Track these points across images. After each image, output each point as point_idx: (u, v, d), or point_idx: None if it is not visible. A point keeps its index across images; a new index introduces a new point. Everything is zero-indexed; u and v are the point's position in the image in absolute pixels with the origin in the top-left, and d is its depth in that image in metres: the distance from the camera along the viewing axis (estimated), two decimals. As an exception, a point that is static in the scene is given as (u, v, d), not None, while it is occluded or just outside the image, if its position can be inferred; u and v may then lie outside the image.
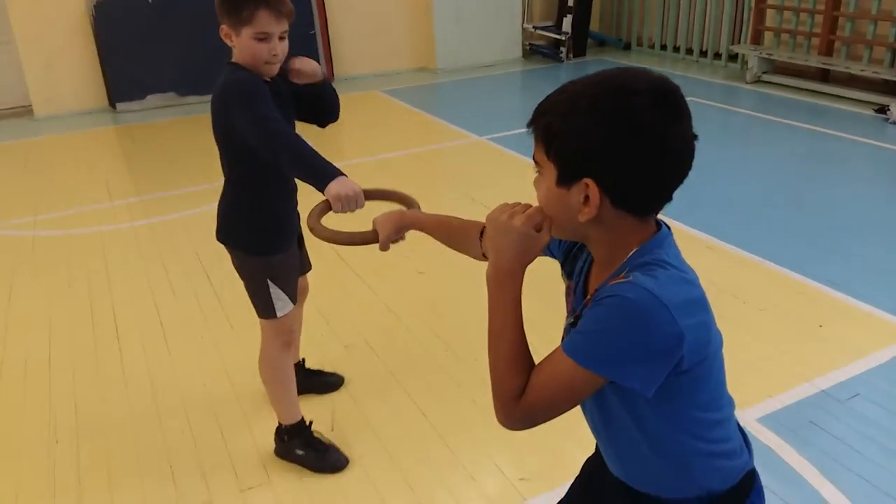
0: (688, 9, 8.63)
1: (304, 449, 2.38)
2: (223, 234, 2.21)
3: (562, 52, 8.96)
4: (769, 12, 7.66)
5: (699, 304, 1.00)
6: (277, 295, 2.19)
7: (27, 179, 5.56)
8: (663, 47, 9.11)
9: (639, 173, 0.97)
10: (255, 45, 1.98)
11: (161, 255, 4.05)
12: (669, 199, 1.02)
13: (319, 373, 2.79)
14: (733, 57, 8.22)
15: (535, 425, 1.03)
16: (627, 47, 9.56)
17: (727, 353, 1.11)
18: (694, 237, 3.95)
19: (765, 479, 1.21)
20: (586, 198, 0.98)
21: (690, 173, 1.01)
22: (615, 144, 0.94)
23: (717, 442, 1.12)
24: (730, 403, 1.14)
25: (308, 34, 7.92)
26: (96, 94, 7.36)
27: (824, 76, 7.16)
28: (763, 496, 1.19)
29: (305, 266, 2.48)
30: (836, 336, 3.00)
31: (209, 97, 2.07)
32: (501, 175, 5.17)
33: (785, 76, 7.32)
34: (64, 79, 7.17)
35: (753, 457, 1.19)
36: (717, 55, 8.44)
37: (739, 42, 8.09)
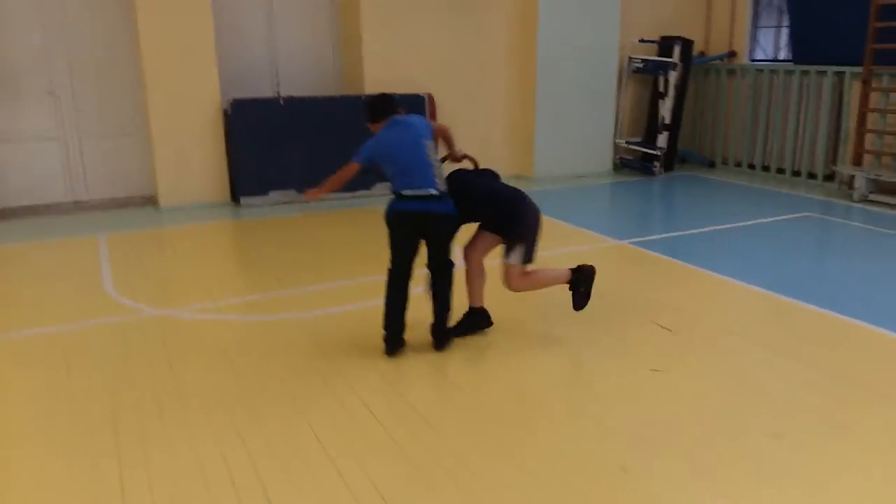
0: (779, 130, 8.96)
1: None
2: None
3: (655, 167, 9.24)
4: (868, 136, 7.94)
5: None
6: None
7: (158, 266, 5.62)
8: (751, 166, 9.40)
9: None
10: None
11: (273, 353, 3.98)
12: None
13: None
14: (828, 177, 8.47)
15: None
16: (712, 165, 9.85)
17: None
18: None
19: None
20: None
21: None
22: None
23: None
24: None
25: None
26: (220, 188, 7.52)
27: (932, 198, 7.34)
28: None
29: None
30: None
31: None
32: (640, 276, 5.21)
33: (891, 195, 7.51)
34: (192, 171, 7.35)
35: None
36: (812, 175, 8.68)
37: (835, 163, 8.35)
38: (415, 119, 3.90)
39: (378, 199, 7.72)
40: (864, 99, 7.84)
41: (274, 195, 7.48)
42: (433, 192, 3.67)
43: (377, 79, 8.09)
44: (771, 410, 3.25)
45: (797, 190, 8.41)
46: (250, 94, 7.65)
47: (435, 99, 8.28)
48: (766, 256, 5.84)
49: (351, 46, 8.28)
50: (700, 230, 6.62)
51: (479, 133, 8.80)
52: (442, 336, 3.86)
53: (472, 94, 8.69)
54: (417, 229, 3.73)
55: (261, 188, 7.44)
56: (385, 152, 3.75)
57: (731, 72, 9.51)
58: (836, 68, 8.20)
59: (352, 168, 3.75)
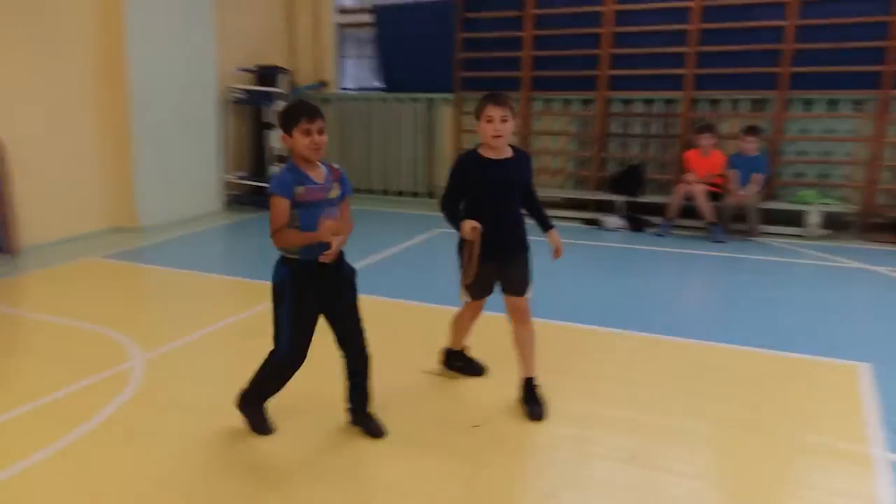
0: (379, 155, 9.37)
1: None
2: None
3: (272, 201, 8.75)
4: (464, 154, 8.84)
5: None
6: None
7: None
8: (356, 190, 9.62)
9: None
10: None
11: None
12: None
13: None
14: (430, 193, 9.18)
15: None
16: (317, 193, 9.78)
17: None
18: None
19: None
20: None
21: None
22: None
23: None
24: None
25: (-11, 198, 6.21)
26: None
27: (524, 202, 8.53)
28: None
29: (512, 287, 3.32)
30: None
31: None
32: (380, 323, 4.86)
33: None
34: None
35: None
36: (415, 193, 9.29)
37: (431, 181, 9.10)
38: None
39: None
40: (457, 122, 8.71)
41: None
42: None
43: None
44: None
45: (409, 209, 8.90)
46: None
47: (4, 145, 6.34)
48: (430, 277, 5.96)
49: None
50: (365, 262, 6.42)
51: (63, 183, 7.08)
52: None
53: (50, 139, 6.91)
54: None
55: None
56: None
57: (326, 101, 9.60)
58: (427, 95, 8.92)
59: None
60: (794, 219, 7.16)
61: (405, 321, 4.83)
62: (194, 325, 4.57)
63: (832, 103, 7.26)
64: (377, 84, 9.71)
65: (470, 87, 8.58)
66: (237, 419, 3.19)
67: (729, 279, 5.87)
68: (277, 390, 3.10)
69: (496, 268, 3.27)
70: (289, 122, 2.82)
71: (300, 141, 2.79)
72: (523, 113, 8.34)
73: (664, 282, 5.91)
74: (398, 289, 5.44)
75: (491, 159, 3.18)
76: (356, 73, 10.14)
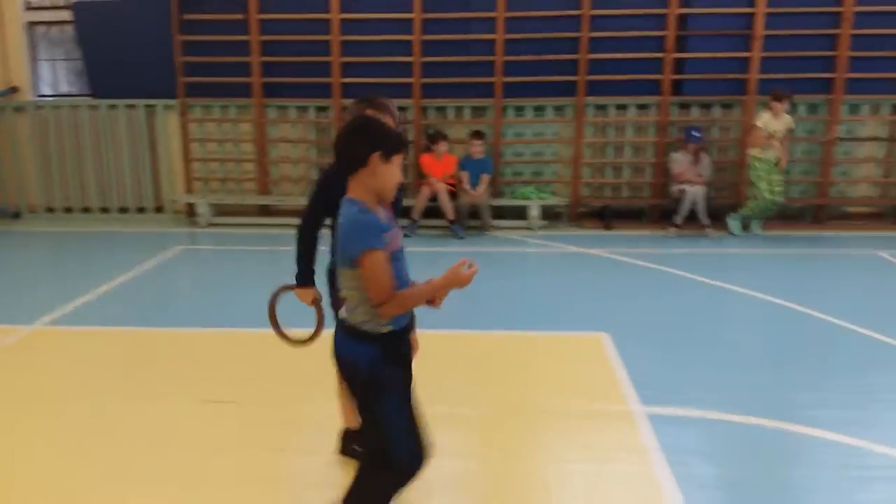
0: (93, 168, 8.39)
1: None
2: None
3: (-43, 228, 7.38)
4: (196, 164, 8.31)
5: None
6: None
7: None
8: (68, 210, 8.54)
9: None
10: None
11: None
12: None
13: None
14: (159, 208, 8.47)
15: None
16: (17, 215, 8.48)
17: None
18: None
19: None
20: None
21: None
22: None
23: None
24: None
25: None
26: None
27: (265, 212, 8.29)
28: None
29: None
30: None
31: None
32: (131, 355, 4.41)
33: (232, 216, 8.12)
34: None
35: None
36: (141, 209, 8.49)
37: (161, 195, 8.43)
38: None
39: None
40: (185, 130, 8.14)
41: None
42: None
43: None
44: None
45: (137, 227, 8.12)
46: None
47: None
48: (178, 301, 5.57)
49: None
50: (97, 292, 5.70)
51: None
52: None
53: None
54: None
55: None
56: None
57: (20, 109, 8.35)
58: (145, 101, 8.19)
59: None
60: (518, 213, 7.93)
61: (156, 349, 4.43)
62: None
63: (539, 109, 8.17)
64: (82, 89, 8.70)
65: (196, 92, 8.08)
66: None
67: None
68: None
69: None
70: (393, 146, 2.12)
71: (394, 173, 2.14)
72: (258, 120, 8.09)
73: (420, 279, 6.13)
74: (142, 317, 4.96)
75: None
76: (54, 78, 8.99)
